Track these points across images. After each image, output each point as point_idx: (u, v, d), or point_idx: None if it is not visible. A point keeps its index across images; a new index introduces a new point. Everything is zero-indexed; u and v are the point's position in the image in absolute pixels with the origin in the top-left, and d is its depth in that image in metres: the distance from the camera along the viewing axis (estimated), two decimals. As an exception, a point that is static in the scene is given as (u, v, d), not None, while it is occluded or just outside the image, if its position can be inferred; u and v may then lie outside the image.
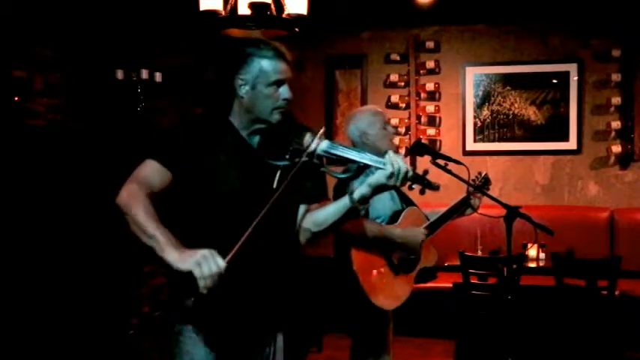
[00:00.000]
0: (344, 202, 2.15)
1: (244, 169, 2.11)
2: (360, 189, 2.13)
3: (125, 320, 4.59)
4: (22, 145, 3.97)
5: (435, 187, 2.29)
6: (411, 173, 2.09)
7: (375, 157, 2.09)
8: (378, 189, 2.11)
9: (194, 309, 1.93)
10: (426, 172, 2.27)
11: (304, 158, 2.01)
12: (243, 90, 2.10)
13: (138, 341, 4.61)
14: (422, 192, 2.29)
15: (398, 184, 2.07)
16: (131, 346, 4.57)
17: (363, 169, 2.09)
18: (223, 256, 1.86)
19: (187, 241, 2.03)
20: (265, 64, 2.08)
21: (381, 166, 2.06)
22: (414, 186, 2.20)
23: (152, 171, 2.05)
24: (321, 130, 2.08)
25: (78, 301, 4.17)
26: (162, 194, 2.05)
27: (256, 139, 2.15)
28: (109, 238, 4.43)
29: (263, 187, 2.05)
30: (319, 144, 2.06)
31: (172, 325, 2.17)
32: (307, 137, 2.06)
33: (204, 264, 1.82)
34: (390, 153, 2.08)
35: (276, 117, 2.11)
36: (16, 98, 4.00)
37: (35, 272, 3.95)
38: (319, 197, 2.26)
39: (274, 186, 2.01)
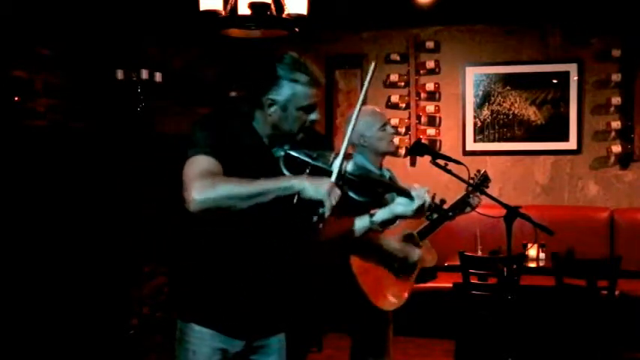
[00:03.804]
0: (364, 222, 2.20)
1: (267, 176, 2.07)
2: (382, 213, 2.19)
3: (125, 320, 4.59)
4: (22, 145, 3.97)
5: (450, 218, 2.34)
6: (430, 204, 2.17)
7: (400, 187, 2.15)
8: (400, 217, 2.19)
9: (317, 225, 1.98)
10: (443, 201, 2.31)
11: (334, 180, 2.00)
12: (272, 109, 2.07)
13: (138, 341, 4.61)
14: (440, 220, 2.33)
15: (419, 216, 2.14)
16: (131, 346, 4.57)
17: (384, 194, 2.11)
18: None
19: (209, 245, 2.09)
20: (299, 90, 2.05)
21: (406, 195, 2.12)
22: (431, 217, 2.24)
23: (208, 164, 1.97)
24: (345, 151, 2.07)
25: (78, 301, 4.17)
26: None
27: (276, 148, 2.13)
28: (109, 238, 4.43)
29: (283, 200, 2.05)
30: (346, 166, 2.07)
31: (176, 323, 2.18)
32: (332, 157, 2.06)
33: (333, 194, 1.93)
34: (416, 189, 2.15)
35: (300, 135, 2.11)
36: (16, 98, 4.00)
37: (35, 272, 3.95)
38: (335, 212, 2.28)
39: (294, 201, 2.01)
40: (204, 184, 1.91)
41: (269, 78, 2.07)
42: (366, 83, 2.08)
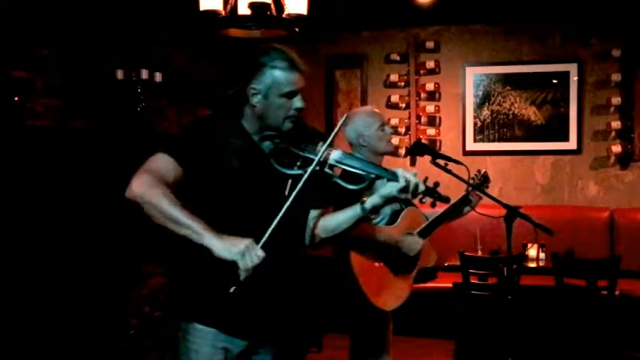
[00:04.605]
0: (355, 211, 2.20)
1: (257, 174, 2.10)
2: (371, 199, 2.18)
3: (125, 320, 4.59)
4: (22, 145, 3.97)
5: (445, 200, 2.33)
6: (422, 187, 2.14)
7: (386, 169, 2.14)
8: (390, 200, 2.17)
9: (234, 296, 1.91)
10: (437, 184, 2.30)
11: (316, 168, 2.01)
12: (256, 99, 2.09)
13: (138, 341, 4.61)
14: (433, 205, 2.33)
15: (410, 196, 2.11)
16: (131, 346, 4.57)
17: (373, 181, 2.11)
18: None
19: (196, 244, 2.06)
20: (279, 75, 2.07)
21: (392, 177, 2.11)
22: (424, 200, 2.22)
23: (165, 164, 2.02)
24: (331, 140, 2.08)
25: (78, 302, 4.17)
26: (174, 190, 2.01)
27: (267, 144, 2.14)
28: (108, 239, 4.43)
29: (274, 194, 2.06)
30: (331, 154, 2.08)
31: (178, 322, 2.18)
32: (319, 146, 2.06)
33: (248, 255, 1.86)
34: (400, 170, 2.13)
35: (287, 125, 2.11)
36: (16, 98, 4.00)
37: (35, 273, 3.95)
38: (328, 203, 2.28)
39: (286, 193, 2.01)
40: (147, 182, 1.96)
41: (251, 68, 2.09)
42: (335, 130, 2.09)
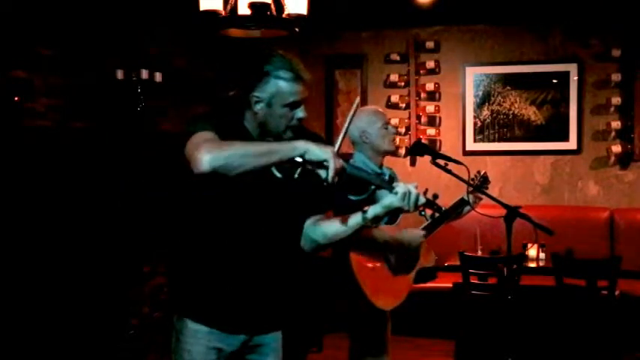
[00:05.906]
0: (356, 220, 2.20)
1: (257, 177, 2.08)
2: (373, 209, 2.18)
3: (125, 320, 4.59)
4: (22, 145, 3.97)
5: (443, 212, 2.34)
6: (423, 199, 2.14)
7: (388, 181, 2.15)
8: (391, 211, 2.17)
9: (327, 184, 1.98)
10: (435, 196, 2.30)
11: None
12: (258, 106, 2.08)
13: (138, 341, 4.62)
14: (432, 216, 2.33)
15: (411, 208, 2.12)
16: (131, 346, 4.57)
17: (374, 192, 2.11)
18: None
19: (203, 240, 2.11)
20: (283, 86, 2.05)
21: (393, 189, 2.11)
22: (424, 212, 2.23)
23: (209, 136, 1.98)
24: (335, 149, 2.07)
25: (78, 301, 4.17)
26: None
27: None
28: (108, 239, 4.44)
29: (273, 200, 2.05)
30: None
31: (172, 321, 2.19)
32: None
33: (336, 158, 1.93)
34: (401, 183, 2.15)
35: (288, 134, 2.11)
36: (16, 98, 4.00)
37: (36, 273, 3.95)
38: (326, 209, 2.29)
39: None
40: (213, 145, 1.92)
41: (255, 75, 2.08)
42: (348, 118, 2.09)
